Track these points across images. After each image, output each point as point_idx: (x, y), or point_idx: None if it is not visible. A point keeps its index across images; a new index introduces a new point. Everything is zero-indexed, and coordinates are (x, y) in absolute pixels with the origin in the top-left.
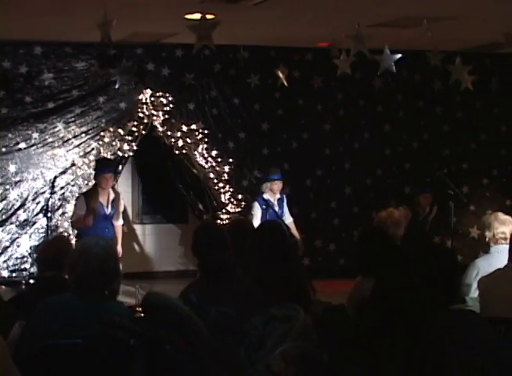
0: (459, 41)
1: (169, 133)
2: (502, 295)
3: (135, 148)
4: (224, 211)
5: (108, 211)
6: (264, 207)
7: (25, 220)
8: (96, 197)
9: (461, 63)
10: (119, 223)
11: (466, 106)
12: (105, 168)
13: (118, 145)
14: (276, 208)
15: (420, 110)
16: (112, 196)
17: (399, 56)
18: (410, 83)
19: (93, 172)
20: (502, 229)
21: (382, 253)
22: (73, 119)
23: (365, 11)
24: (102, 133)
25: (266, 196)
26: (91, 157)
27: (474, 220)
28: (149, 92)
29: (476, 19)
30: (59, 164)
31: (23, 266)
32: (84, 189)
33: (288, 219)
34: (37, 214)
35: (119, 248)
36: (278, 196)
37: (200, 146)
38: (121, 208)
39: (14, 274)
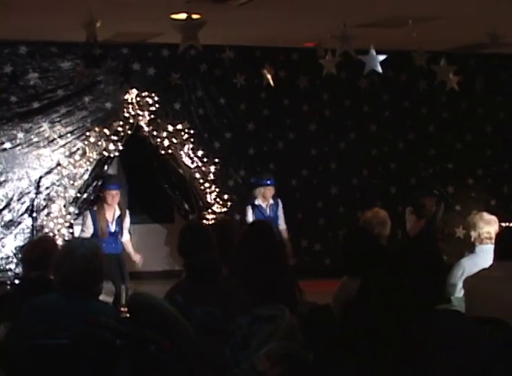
0: (445, 42)
1: (155, 133)
2: (487, 295)
3: (120, 148)
4: (210, 211)
5: (113, 228)
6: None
7: (10, 220)
8: (103, 214)
9: (446, 63)
10: (125, 239)
11: (452, 106)
12: (111, 183)
13: (104, 145)
14: (268, 213)
15: (406, 111)
16: (118, 213)
17: (385, 56)
18: (396, 83)
19: (79, 173)
20: (487, 228)
21: (368, 253)
22: (58, 119)
23: (350, 11)
24: (87, 133)
25: (258, 201)
26: (77, 157)
27: (460, 220)
28: (134, 91)
29: (461, 20)
30: (44, 164)
31: (8, 267)
32: (70, 190)
33: (281, 226)
34: (22, 214)
35: (137, 258)
36: (271, 201)
37: (186, 146)
38: (127, 225)
39: None
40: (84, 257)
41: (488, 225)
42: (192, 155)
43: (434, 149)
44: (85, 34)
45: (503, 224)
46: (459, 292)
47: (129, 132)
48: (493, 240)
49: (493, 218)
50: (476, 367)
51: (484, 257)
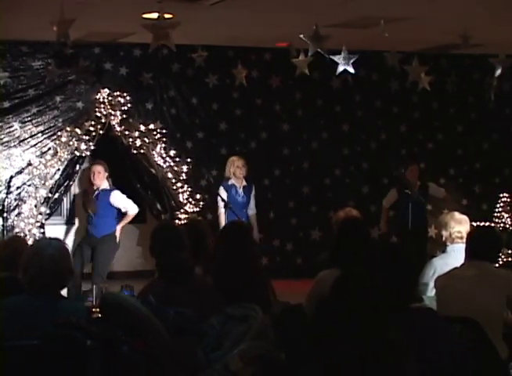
0: (416, 42)
1: (127, 133)
2: (458, 294)
3: (92, 148)
4: (182, 210)
5: None
6: (228, 191)
7: None
8: None
9: (418, 63)
10: None
11: (423, 106)
12: None
13: (75, 144)
14: (240, 196)
15: (378, 110)
16: None
17: (357, 56)
18: (368, 83)
19: (50, 172)
20: (458, 228)
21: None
22: (29, 118)
23: (322, 11)
24: (59, 133)
25: (231, 181)
26: (48, 157)
27: (431, 219)
28: (106, 91)
29: (432, 21)
30: (15, 163)
31: None
32: (41, 189)
33: (251, 211)
34: None
35: None
36: (244, 183)
37: (158, 146)
38: None
39: None
40: (53, 257)
41: (460, 225)
42: (164, 155)
43: (406, 148)
44: (56, 34)
45: (474, 223)
46: (431, 291)
47: (101, 132)
48: (464, 240)
49: (464, 217)
50: (448, 367)
51: (455, 256)
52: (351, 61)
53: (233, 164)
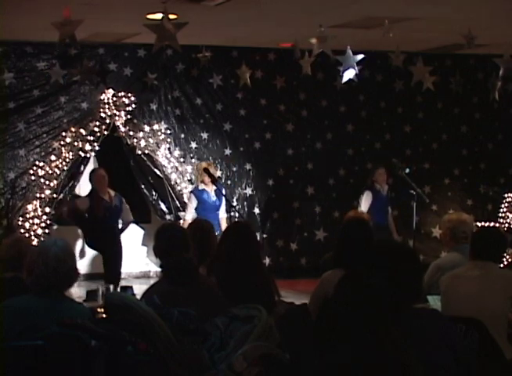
0: (421, 42)
1: (131, 133)
2: (462, 295)
3: (97, 148)
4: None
5: None
6: (200, 198)
7: None
8: None
9: (422, 63)
10: None
11: (428, 106)
12: None
13: (80, 145)
14: (212, 200)
15: (382, 111)
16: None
17: (361, 56)
18: (372, 83)
19: (55, 173)
20: (462, 228)
21: (363, 246)
22: (34, 119)
23: (327, 12)
24: (63, 133)
25: (201, 186)
26: (53, 158)
27: (436, 220)
28: (111, 91)
29: (437, 21)
30: (19, 164)
31: None
32: (46, 190)
33: (222, 214)
34: None
35: None
36: (214, 187)
37: (163, 147)
38: None
39: None
40: (57, 257)
41: (464, 225)
42: (168, 155)
43: (411, 149)
44: (59, 35)
45: (479, 224)
46: (435, 292)
47: (105, 133)
48: (469, 240)
49: (469, 217)
50: (453, 368)
51: (459, 257)
52: (356, 61)
53: (200, 172)
